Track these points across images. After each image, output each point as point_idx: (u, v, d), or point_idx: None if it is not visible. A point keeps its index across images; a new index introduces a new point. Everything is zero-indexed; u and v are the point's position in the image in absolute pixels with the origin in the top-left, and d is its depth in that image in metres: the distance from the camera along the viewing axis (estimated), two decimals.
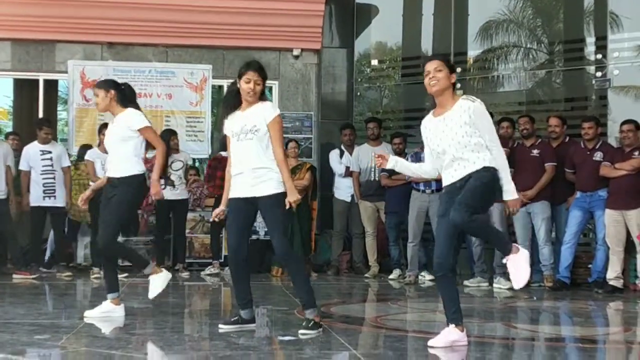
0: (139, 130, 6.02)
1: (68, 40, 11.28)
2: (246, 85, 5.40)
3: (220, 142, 10.25)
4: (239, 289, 5.56)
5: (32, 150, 9.66)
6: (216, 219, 5.74)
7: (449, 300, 4.95)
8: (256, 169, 5.37)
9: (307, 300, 5.40)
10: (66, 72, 11.15)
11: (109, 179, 6.10)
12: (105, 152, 9.46)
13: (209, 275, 9.87)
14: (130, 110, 6.12)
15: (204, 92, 11.32)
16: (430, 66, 4.94)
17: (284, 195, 5.35)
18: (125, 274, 8.92)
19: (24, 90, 13.28)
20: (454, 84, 5.00)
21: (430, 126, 5.05)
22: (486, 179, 4.82)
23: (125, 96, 6.18)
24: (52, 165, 9.59)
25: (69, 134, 11.15)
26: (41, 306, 7.16)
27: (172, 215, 9.93)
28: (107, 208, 5.97)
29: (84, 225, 10.21)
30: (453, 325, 4.90)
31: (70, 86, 11.17)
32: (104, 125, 9.78)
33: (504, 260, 4.88)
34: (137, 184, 6.02)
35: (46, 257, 10.11)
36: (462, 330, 4.92)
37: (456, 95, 5.00)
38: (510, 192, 4.91)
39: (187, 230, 10.37)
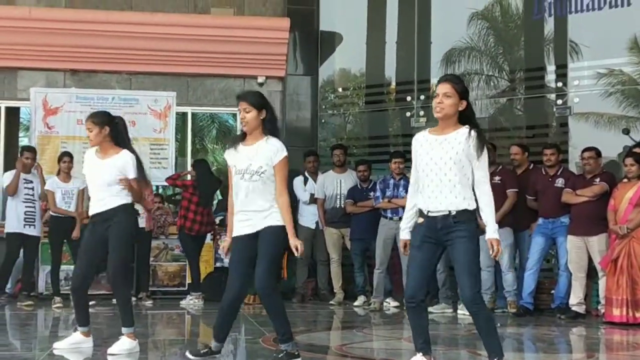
0: (129, 177, 5.86)
1: (30, 67, 11.20)
2: (239, 116, 5.46)
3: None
4: (224, 325, 5.43)
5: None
6: (223, 256, 5.70)
7: (419, 330, 4.88)
8: (261, 211, 5.28)
9: (285, 334, 5.30)
10: (28, 99, 11.05)
11: (95, 215, 5.85)
12: (65, 181, 9.53)
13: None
14: (126, 155, 5.89)
15: (168, 119, 11.28)
16: (441, 89, 4.71)
17: (283, 228, 5.28)
18: (92, 302, 8.70)
19: None
20: (462, 111, 4.74)
21: (424, 142, 4.82)
22: (474, 232, 4.68)
23: (119, 132, 5.95)
24: (33, 195, 9.47)
25: None
26: (1, 337, 7.04)
27: (135, 243, 9.78)
28: (111, 244, 5.75)
29: (47, 254, 10.03)
30: (421, 354, 4.87)
31: (32, 114, 11.06)
32: (65, 154, 9.73)
33: None
34: (132, 211, 5.92)
35: (8, 285, 9.92)
36: None
37: (458, 124, 4.75)
38: (494, 231, 4.72)
39: (150, 258, 10.27)
